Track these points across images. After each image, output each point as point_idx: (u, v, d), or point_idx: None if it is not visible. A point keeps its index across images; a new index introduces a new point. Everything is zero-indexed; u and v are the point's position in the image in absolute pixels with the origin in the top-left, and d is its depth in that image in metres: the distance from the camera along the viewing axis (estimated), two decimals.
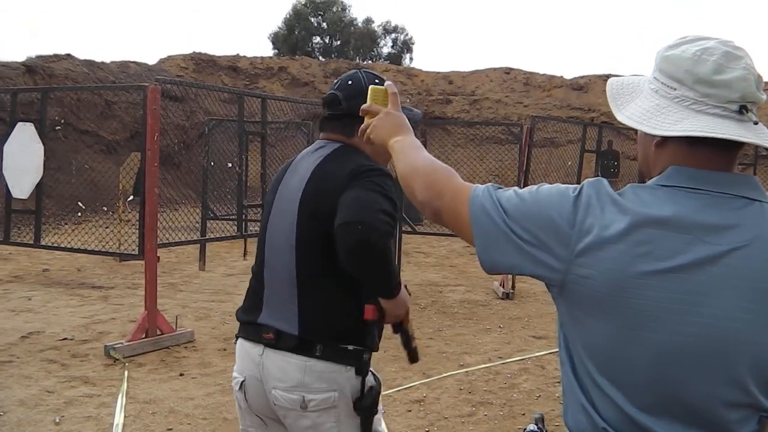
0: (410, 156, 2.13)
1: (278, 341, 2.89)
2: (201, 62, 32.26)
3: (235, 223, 11.68)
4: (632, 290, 1.63)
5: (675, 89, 1.74)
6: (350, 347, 2.88)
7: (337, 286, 2.88)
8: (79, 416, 5.99)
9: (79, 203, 18.38)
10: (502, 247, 1.80)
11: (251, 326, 2.99)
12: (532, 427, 2.98)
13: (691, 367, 1.63)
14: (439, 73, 34.81)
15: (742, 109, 1.68)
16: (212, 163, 12.99)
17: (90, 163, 20.49)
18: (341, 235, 2.68)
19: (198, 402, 6.43)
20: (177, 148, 23.97)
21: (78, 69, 24.66)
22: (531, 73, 33.93)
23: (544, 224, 1.76)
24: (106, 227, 13.76)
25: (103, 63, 27.04)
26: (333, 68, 34.55)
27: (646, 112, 1.78)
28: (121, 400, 6.29)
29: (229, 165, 12.90)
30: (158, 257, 8.17)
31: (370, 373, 2.93)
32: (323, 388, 2.84)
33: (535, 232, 1.76)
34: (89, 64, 25.77)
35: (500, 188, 1.91)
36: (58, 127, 20.01)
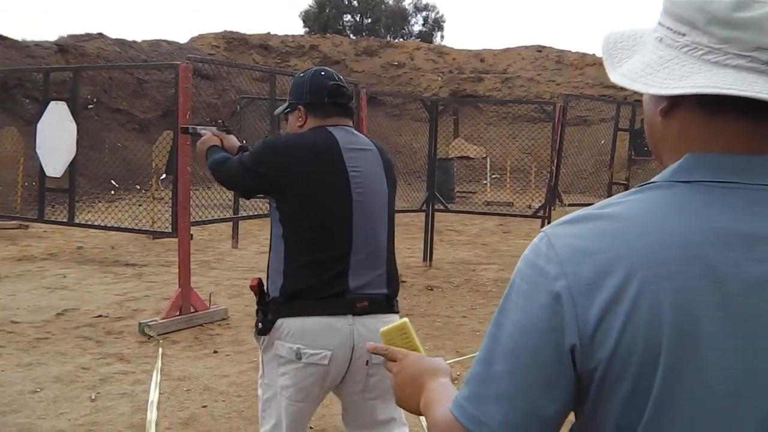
0: (434, 421, 1.44)
1: (371, 306, 3.24)
2: (232, 41, 32.35)
3: (268, 200, 11.69)
4: (667, 352, 1.16)
5: (684, 35, 1.25)
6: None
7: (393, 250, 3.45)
8: (114, 393, 6.01)
9: (113, 181, 18.47)
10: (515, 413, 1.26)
11: (333, 300, 3.21)
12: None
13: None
14: (470, 51, 34.76)
15: None
16: (244, 141, 12.93)
17: (122, 142, 20.62)
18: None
19: (232, 379, 6.43)
20: None
21: (109, 48, 24.75)
22: (563, 51, 33.80)
23: (530, 326, 1.25)
24: (140, 205, 13.77)
25: (134, 42, 27.17)
26: (364, 46, 34.53)
27: (646, 66, 1.29)
28: (155, 377, 6.29)
29: None
30: (191, 235, 8.17)
31: None
32: None
33: (524, 347, 1.25)
34: (120, 43, 25.88)
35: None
36: (90, 106, 20.10)
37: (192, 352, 7.17)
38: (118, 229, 10.08)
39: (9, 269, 10.96)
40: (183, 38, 36.95)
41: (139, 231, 10.29)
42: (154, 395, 5.90)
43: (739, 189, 1.21)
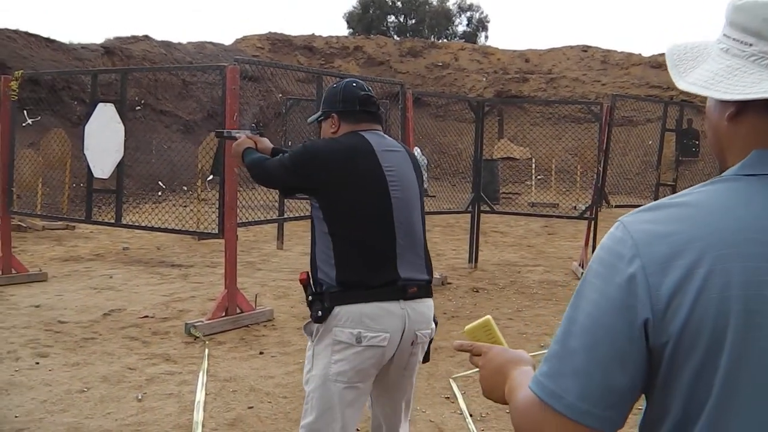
0: (516, 404, 1.48)
1: (419, 291, 3.54)
2: (277, 42, 32.48)
3: (309, 200, 11.69)
4: (728, 335, 1.23)
5: (751, 45, 1.32)
6: None
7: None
8: (161, 393, 6.02)
9: (160, 183, 18.60)
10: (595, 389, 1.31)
11: (387, 287, 3.48)
12: None
13: None
14: (515, 51, 34.68)
15: None
16: (290, 143, 12.97)
17: (168, 143, 20.71)
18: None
19: (278, 380, 6.42)
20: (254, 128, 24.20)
21: (155, 50, 24.94)
22: (609, 51, 33.58)
23: (605, 302, 1.31)
24: (185, 206, 13.87)
25: (179, 44, 27.38)
26: (408, 47, 34.51)
27: (715, 75, 1.36)
28: (202, 378, 6.31)
29: None
30: (237, 236, 8.19)
31: None
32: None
33: (600, 323, 1.31)
34: (166, 45, 26.08)
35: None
36: (138, 108, 20.25)
37: (238, 353, 7.17)
38: (164, 230, 10.10)
39: (56, 269, 11.07)
40: (228, 40, 37.10)
41: (185, 232, 10.31)
42: (200, 396, 5.92)
43: None
